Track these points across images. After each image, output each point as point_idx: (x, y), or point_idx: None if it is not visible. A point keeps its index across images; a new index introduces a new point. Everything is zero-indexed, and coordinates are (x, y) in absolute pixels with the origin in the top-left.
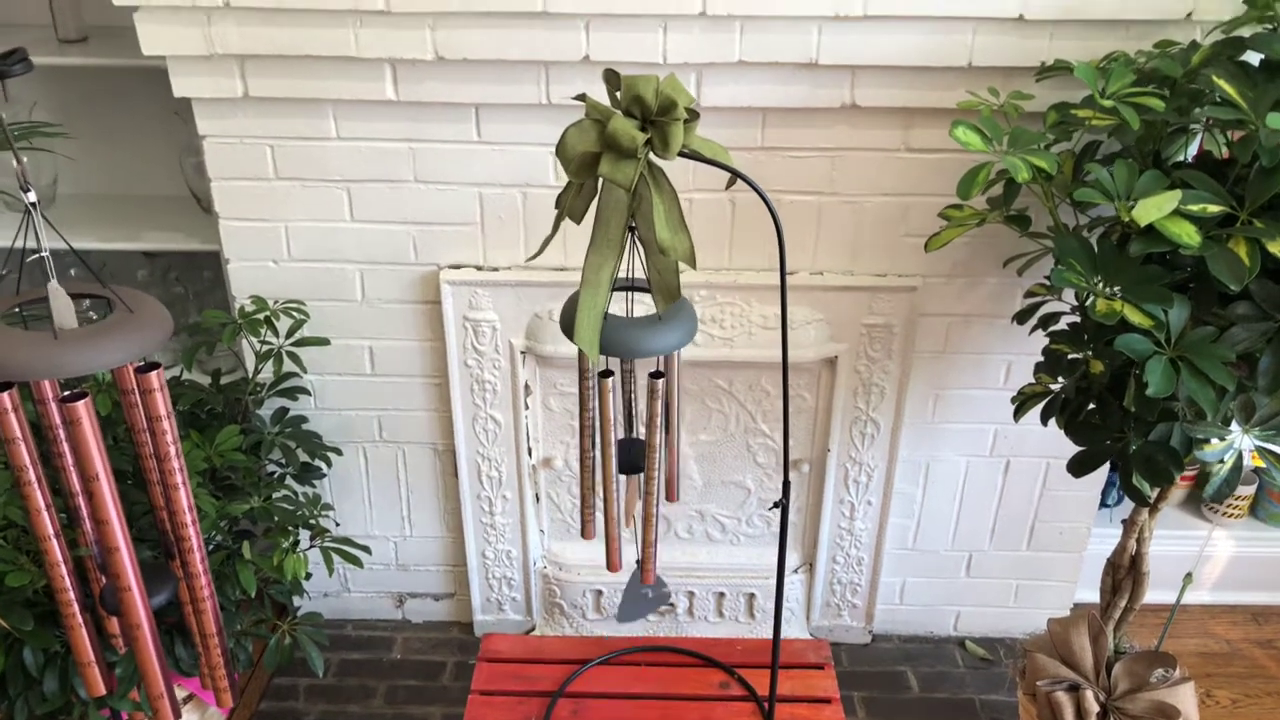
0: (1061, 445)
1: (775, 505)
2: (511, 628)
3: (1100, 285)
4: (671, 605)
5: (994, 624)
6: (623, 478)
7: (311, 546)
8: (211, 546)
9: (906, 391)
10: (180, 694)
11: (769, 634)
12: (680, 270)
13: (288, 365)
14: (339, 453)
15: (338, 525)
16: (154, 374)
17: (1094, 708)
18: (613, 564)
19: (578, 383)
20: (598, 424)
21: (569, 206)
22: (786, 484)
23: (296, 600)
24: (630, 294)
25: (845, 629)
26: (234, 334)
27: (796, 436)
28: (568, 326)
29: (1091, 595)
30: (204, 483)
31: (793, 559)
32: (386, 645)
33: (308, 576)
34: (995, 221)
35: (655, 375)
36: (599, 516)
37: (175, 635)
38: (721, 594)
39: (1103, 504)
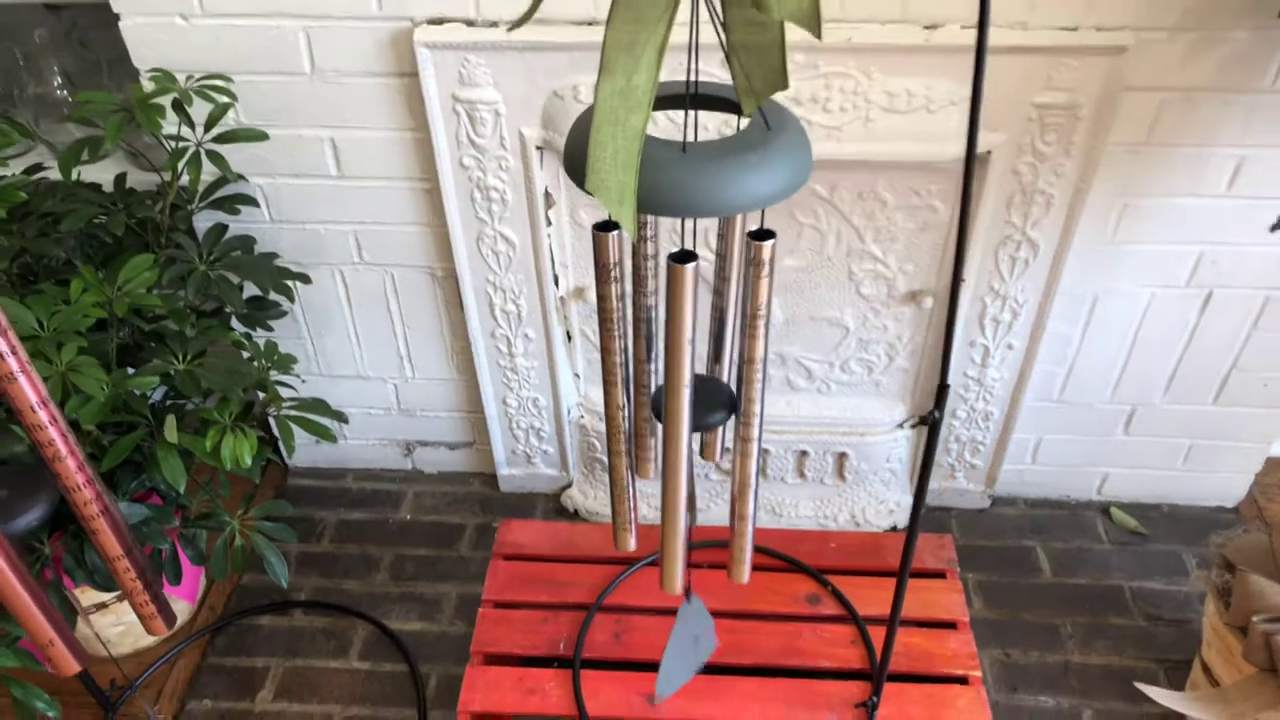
0: None
1: (921, 421)
2: (544, 483)
3: None
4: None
5: (1150, 489)
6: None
7: (263, 415)
8: (132, 424)
9: (1085, 200)
10: None
11: (864, 499)
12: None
13: (212, 170)
14: (306, 279)
15: (304, 382)
16: None
17: None
18: (675, 583)
19: (596, 286)
20: (637, 354)
21: None
22: (944, 388)
23: (290, 459)
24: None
25: (959, 492)
26: (121, 127)
27: (917, 261)
28: (576, 161)
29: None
30: (108, 339)
31: (898, 411)
32: (394, 501)
33: (268, 454)
34: None
35: (760, 235)
36: (628, 511)
37: (86, 542)
38: (804, 452)
39: None
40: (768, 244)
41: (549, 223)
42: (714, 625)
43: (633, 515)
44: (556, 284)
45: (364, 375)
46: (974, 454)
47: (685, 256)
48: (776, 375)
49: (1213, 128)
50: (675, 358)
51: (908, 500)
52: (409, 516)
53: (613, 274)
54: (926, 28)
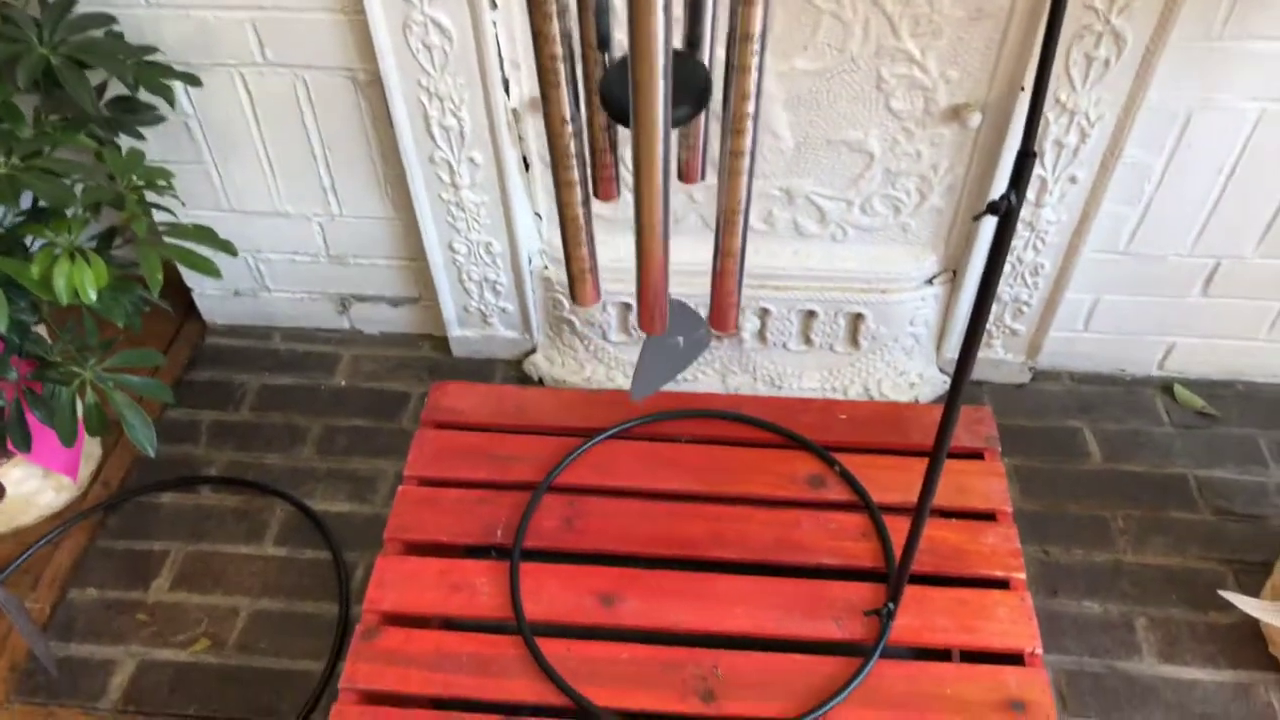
0: None
1: (991, 209)
2: (503, 347)
3: None
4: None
5: (1223, 362)
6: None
7: (121, 244)
8: None
9: None
10: (19, 471)
11: (880, 369)
12: None
13: None
14: (193, 80)
15: (184, 205)
16: None
17: None
18: (653, 321)
19: None
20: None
21: None
22: (1027, 157)
23: (206, 306)
24: None
25: (994, 364)
26: None
27: (965, 64)
28: None
29: None
30: None
31: (929, 263)
32: (327, 365)
33: (139, 293)
34: None
35: None
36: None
37: None
38: (811, 313)
39: None
40: None
41: (494, 4)
42: (706, 321)
43: (590, 262)
44: (507, 91)
45: (282, 211)
46: (1016, 317)
47: None
48: (782, 217)
49: None
50: (644, 21)
51: (933, 372)
52: (344, 383)
53: None
54: None
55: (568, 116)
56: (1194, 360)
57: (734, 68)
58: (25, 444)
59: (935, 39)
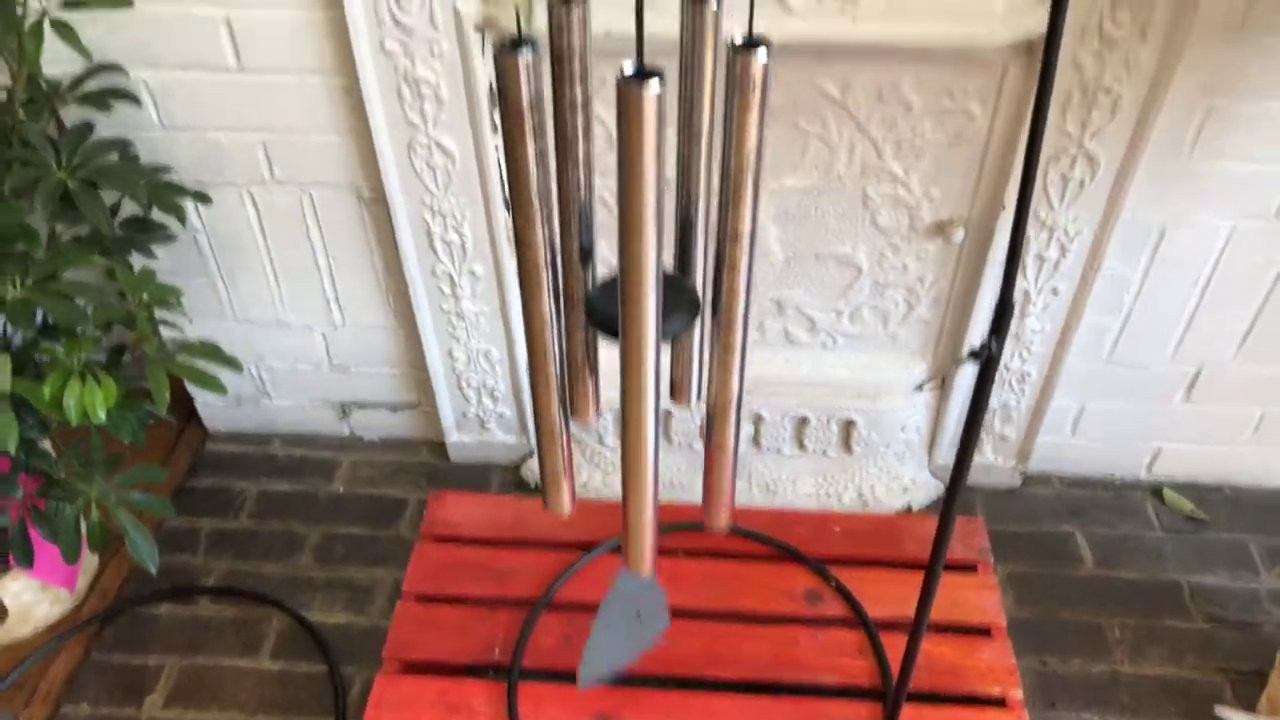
0: None
1: (973, 356)
2: (500, 452)
3: None
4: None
5: (1209, 467)
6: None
7: (129, 359)
8: None
9: (1161, 101)
10: (17, 584)
11: (873, 474)
12: None
13: (58, 51)
14: (204, 199)
15: (191, 322)
16: None
17: None
18: (645, 560)
19: (505, 143)
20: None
21: None
22: (1006, 306)
23: (208, 414)
24: None
25: (986, 468)
26: None
27: (947, 183)
28: None
29: None
30: None
31: (918, 371)
32: (326, 471)
33: (144, 409)
34: None
35: (748, 45)
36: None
37: None
38: (804, 419)
39: None
40: (759, 56)
41: (495, 127)
42: (665, 598)
43: (566, 467)
44: (507, 208)
45: (286, 322)
46: (1005, 423)
47: (644, 75)
48: (773, 327)
49: None
50: (635, 235)
51: (925, 477)
52: (342, 489)
53: (528, 122)
54: None
55: (549, 319)
56: (1181, 465)
57: (724, 266)
58: (28, 560)
59: (918, 160)
